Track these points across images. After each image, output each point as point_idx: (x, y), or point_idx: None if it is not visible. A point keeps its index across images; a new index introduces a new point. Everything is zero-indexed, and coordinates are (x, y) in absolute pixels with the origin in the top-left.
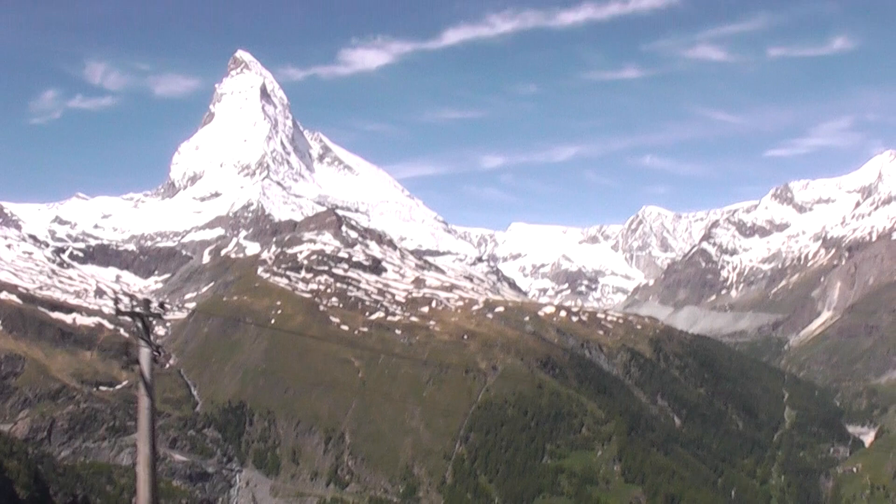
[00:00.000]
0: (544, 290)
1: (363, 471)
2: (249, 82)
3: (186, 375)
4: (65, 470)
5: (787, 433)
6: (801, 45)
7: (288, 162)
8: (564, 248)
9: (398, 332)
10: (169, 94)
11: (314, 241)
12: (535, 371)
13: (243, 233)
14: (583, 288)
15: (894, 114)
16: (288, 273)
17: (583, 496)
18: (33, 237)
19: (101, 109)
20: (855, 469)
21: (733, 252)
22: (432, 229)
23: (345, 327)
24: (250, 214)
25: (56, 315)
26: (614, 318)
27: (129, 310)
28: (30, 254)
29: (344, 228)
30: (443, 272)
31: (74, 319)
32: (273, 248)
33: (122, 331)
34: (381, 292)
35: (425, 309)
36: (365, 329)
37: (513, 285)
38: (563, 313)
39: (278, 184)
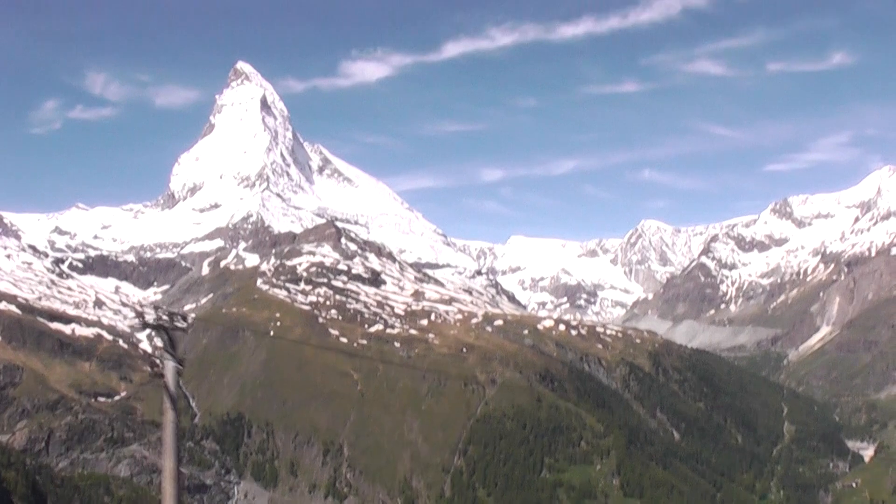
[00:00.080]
0: (543, 304)
1: (361, 483)
2: (250, 94)
3: (185, 387)
4: (62, 481)
5: (787, 448)
6: (800, 60)
7: (288, 174)
8: (563, 261)
9: (397, 344)
10: (169, 105)
11: (313, 254)
12: (534, 384)
13: (243, 244)
14: (582, 301)
15: (893, 129)
16: (287, 285)
17: None
18: (33, 247)
19: (102, 120)
20: (854, 484)
21: (732, 266)
22: (431, 242)
23: (344, 340)
24: (250, 226)
25: (55, 325)
26: (613, 332)
27: (155, 323)
28: (29, 264)
29: (343, 241)
30: (442, 285)
31: (73, 330)
32: (272, 259)
33: (120, 342)
34: (380, 305)
35: (424, 322)
36: (364, 341)
37: (512, 298)
38: (562, 327)
39: (278, 195)
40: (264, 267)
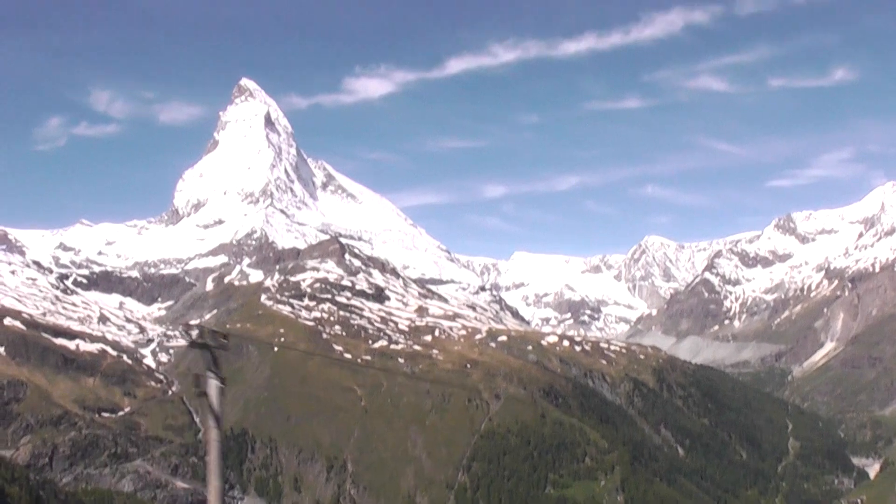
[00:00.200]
0: (547, 320)
1: (365, 499)
2: (254, 110)
3: (188, 402)
4: (66, 496)
5: (791, 464)
6: (802, 76)
7: (291, 190)
8: (567, 277)
9: (401, 360)
10: (173, 121)
11: (317, 269)
12: (538, 400)
13: (247, 260)
14: (585, 317)
15: None
16: (291, 301)
17: None
18: (37, 263)
19: (106, 137)
20: (859, 501)
21: (736, 282)
22: (435, 258)
23: (348, 355)
24: (254, 242)
25: (59, 341)
26: (617, 348)
27: (200, 341)
28: (33, 280)
29: (347, 256)
30: (446, 301)
31: (77, 346)
32: (276, 275)
33: (124, 357)
34: (384, 321)
35: (428, 338)
36: (368, 357)
37: (515, 314)
38: (565, 343)
39: (282, 211)
40: (268, 283)
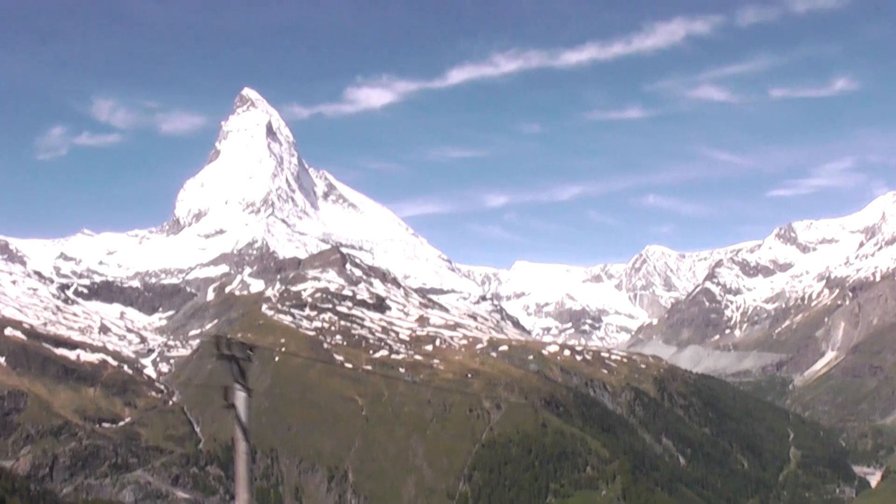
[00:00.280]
0: (548, 329)
1: None
2: (255, 120)
3: (189, 412)
4: None
5: (793, 473)
6: (803, 86)
7: (293, 199)
8: (568, 286)
9: (402, 370)
10: (175, 131)
11: (318, 279)
12: (539, 410)
13: (248, 270)
14: (586, 327)
15: None
16: (292, 310)
17: None
18: (38, 273)
19: (108, 146)
20: None
21: (737, 292)
22: (436, 267)
23: (349, 365)
24: (255, 252)
25: (60, 351)
26: (618, 357)
27: (228, 353)
28: (34, 290)
29: (348, 266)
30: (447, 310)
31: (78, 356)
32: (277, 285)
33: (125, 367)
34: (385, 330)
35: (429, 347)
36: (369, 367)
37: (516, 324)
38: (566, 352)
39: (283, 221)
40: (269, 292)
